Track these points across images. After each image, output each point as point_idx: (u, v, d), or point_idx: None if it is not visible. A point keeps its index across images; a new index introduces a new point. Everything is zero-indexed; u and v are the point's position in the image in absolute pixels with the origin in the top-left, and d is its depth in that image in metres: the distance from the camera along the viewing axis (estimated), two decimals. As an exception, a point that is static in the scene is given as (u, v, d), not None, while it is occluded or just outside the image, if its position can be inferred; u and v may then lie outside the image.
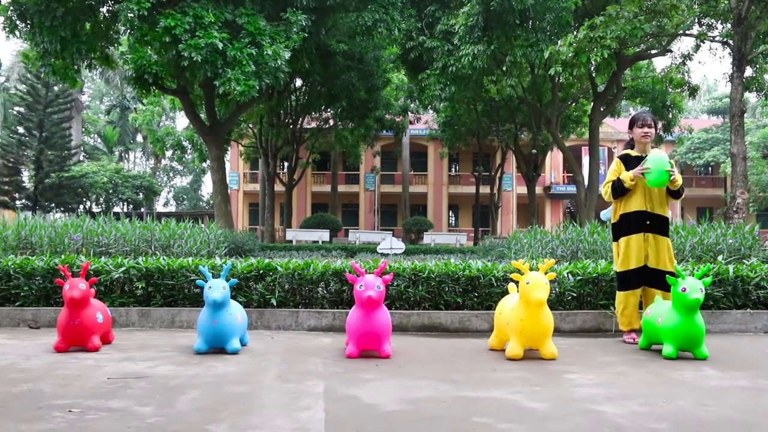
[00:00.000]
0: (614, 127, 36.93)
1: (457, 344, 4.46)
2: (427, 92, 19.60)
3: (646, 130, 4.59)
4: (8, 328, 5.01)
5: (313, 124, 29.04)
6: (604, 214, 4.96)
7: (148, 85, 16.98)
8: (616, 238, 4.69)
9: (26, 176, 35.76)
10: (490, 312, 4.96)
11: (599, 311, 5.11)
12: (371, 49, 21.72)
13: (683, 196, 4.60)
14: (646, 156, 4.52)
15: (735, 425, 2.57)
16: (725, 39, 14.86)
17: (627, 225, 4.57)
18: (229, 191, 21.82)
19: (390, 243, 17.09)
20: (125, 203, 39.19)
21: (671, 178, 4.37)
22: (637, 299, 4.58)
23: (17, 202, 33.97)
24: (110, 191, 35.41)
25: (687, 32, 17.42)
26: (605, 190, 4.69)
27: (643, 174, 4.41)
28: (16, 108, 36.40)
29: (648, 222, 4.50)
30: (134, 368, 3.52)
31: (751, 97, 32.41)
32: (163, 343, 4.38)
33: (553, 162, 39.14)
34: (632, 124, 4.67)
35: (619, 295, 4.63)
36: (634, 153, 4.67)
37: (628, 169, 4.57)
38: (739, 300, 5.26)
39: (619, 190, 4.56)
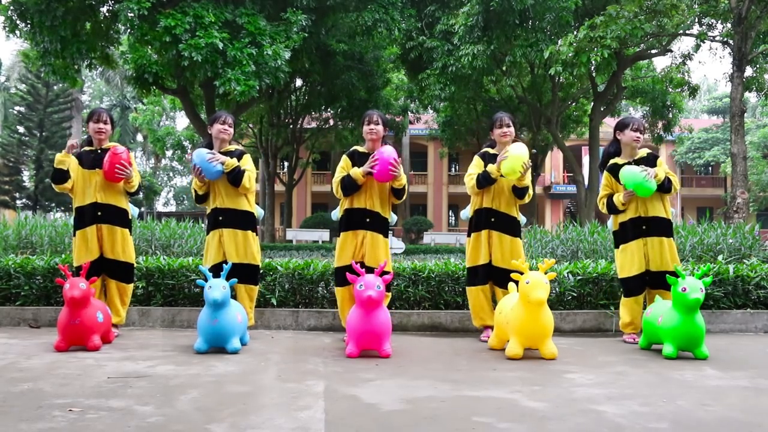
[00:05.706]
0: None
1: (457, 344, 4.46)
2: (427, 92, 19.59)
3: (638, 134, 4.61)
4: (9, 328, 5.00)
5: (313, 124, 29.00)
6: (609, 223, 4.97)
7: (148, 85, 16.96)
8: (617, 245, 4.72)
9: (26, 176, 35.74)
10: (490, 312, 4.94)
11: (599, 311, 5.11)
12: (371, 49, 21.68)
13: (674, 188, 4.51)
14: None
15: (735, 425, 2.57)
16: (725, 39, 14.85)
17: (625, 233, 4.60)
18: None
19: (390, 242, 17.06)
20: (125, 203, 39.08)
21: (649, 177, 4.35)
22: (641, 305, 4.58)
23: (18, 202, 33.94)
24: (110, 191, 35.31)
25: (687, 32, 17.40)
26: (601, 205, 4.75)
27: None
28: (17, 108, 36.34)
29: (644, 227, 4.52)
30: (134, 367, 3.53)
31: (751, 97, 32.42)
32: (163, 342, 4.39)
33: (553, 162, 39.11)
34: (624, 127, 4.65)
35: (625, 302, 4.62)
36: (621, 161, 4.65)
37: (617, 178, 4.59)
38: (739, 300, 5.26)
39: (616, 210, 4.63)
